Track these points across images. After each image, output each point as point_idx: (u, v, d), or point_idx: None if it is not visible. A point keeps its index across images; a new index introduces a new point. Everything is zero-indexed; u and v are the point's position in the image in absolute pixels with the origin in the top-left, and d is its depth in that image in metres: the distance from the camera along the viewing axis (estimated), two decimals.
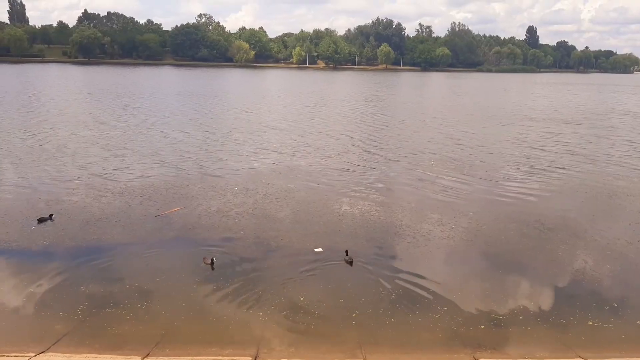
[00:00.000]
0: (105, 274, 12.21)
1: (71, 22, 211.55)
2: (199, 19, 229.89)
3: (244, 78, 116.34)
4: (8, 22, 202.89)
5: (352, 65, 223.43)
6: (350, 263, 13.20)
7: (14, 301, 10.89)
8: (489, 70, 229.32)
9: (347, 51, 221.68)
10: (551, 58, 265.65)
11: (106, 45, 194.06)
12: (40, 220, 15.56)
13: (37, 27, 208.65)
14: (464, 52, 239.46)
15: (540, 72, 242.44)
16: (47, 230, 14.87)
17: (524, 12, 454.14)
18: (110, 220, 15.82)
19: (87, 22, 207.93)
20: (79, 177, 21.16)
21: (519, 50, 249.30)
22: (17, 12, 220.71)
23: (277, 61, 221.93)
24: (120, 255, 13.40)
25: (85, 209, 16.91)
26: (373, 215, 16.96)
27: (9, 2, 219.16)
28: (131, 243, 14.16)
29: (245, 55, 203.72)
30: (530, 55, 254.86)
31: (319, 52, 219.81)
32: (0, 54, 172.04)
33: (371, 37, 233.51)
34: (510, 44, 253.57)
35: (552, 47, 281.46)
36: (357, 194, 19.54)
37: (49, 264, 12.69)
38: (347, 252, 13.43)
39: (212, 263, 12.59)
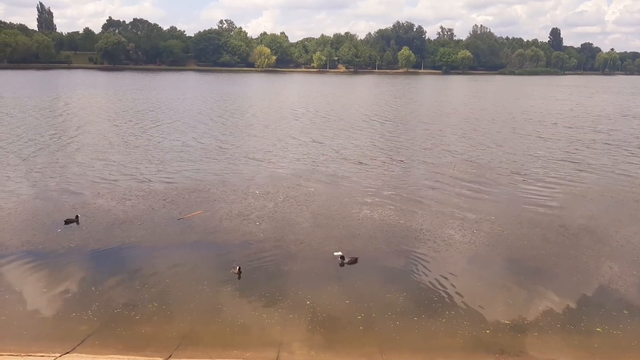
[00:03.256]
0: (129, 276, 12.43)
1: (97, 29, 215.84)
2: (221, 25, 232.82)
3: (264, 83, 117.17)
4: (37, 30, 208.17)
5: (372, 69, 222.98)
6: (353, 262, 13.25)
7: (39, 302, 11.17)
8: (512, 73, 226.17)
9: (367, 55, 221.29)
10: (575, 60, 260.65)
11: (131, 52, 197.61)
12: (67, 222, 15.93)
13: (64, 34, 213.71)
14: (485, 55, 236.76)
15: (564, 74, 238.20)
16: (72, 233, 15.20)
17: (547, 14, 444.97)
18: (134, 223, 16.10)
19: (112, 29, 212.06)
20: (104, 181, 21.58)
21: (542, 53, 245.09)
22: (45, 19, 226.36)
23: (298, 66, 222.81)
24: (143, 258, 13.62)
25: (110, 212, 17.24)
26: (392, 219, 16.90)
27: (38, 10, 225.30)
28: (154, 246, 14.39)
29: (266, 60, 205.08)
30: (554, 57, 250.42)
31: (340, 56, 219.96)
32: (29, 60, 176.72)
33: (392, 41, 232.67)
34: (533, 46, 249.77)
35: (577, 50, 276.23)
36: (377, 198, 19.49)
37: (73, 265, 12.98)
38: (342, 256, 13.47)
39: (239, 272, 12.63)
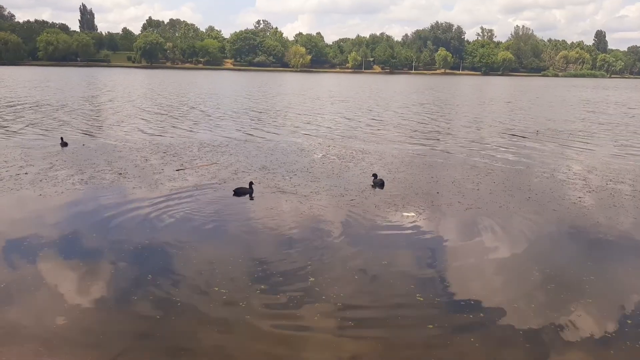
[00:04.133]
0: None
1: (137, 31, 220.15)
2: (257, 25, 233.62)
3: (300, 80, 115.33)
4: (78, 30, 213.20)
5: (408, 69, 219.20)
6: (381, 185, 14.45)
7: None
8: (555, 75, 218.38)
9: (403, 56, 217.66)
10: (622, 63, 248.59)
11: (168, 51, 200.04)
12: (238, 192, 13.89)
13: (103, 34, 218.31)
14: (527, 57, 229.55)
15: (610, 77, 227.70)
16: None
17: (587, 19, 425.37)
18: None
19: (150, 29, 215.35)
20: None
21: (587, 55, 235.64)
22: (87, 20, 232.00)
23: (333, 66, 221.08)
24: None
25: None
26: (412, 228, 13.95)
27: (80, 10, 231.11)
28: None
29: (301, 59, 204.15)
30: (600, 60, 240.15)
31: (375, 56, 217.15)
32: (69, 58, 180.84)
33: (429, 42, 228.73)
34: (578, 48, 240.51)
35: (623, 53, 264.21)
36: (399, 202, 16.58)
37: None
38: (375, 175, 14.96)
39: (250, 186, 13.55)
